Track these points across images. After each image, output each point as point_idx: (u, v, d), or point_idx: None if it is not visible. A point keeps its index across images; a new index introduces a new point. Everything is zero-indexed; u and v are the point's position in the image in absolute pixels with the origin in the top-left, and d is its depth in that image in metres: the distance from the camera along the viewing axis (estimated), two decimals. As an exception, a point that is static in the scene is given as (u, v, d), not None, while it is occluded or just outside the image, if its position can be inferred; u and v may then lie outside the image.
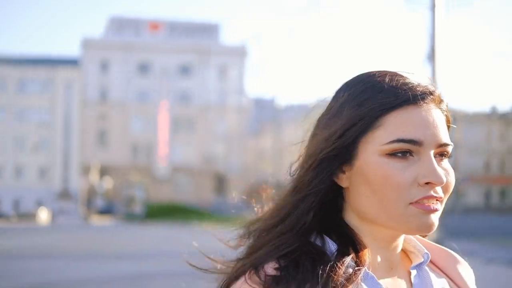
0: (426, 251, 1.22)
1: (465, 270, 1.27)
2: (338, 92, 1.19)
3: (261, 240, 1.17)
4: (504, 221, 44.11)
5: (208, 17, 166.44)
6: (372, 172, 1.11)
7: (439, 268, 1.27)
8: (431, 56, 23.77)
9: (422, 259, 1.21)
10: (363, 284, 1.12)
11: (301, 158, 1.20)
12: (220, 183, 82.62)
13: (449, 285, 1.24)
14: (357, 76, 1.19)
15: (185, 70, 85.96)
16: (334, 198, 1.18)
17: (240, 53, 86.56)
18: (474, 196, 79.65)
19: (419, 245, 1.24)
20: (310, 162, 1.16)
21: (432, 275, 1.23)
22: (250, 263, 1.12)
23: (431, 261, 1.26)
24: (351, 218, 1.18)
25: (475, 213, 63.52)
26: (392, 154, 1.11)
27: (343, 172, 1.15)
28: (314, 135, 1.19)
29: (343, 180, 1.16)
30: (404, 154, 1.11)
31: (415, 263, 1.22)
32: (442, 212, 1.15)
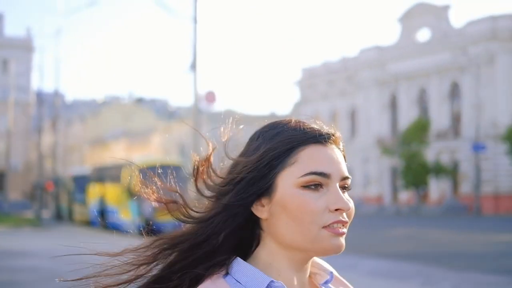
0: (331, 270, 1.41)
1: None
2: (253, 137, 1.39)
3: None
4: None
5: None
6: (289, 201, 1.29)
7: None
8: (194, 65, 25.40)
9: (328, 277, 1.40)
10: None
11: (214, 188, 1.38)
12: (0, 181, 79.27)
13: None
14: (269, 124, 1.39)
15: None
16: (252, 230, 1.37)
17: (25, 46, 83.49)
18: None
19: (324, 266, 1.42)
20: (228, 185, 1.34)
21: None
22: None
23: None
24: (270, 245, 1.34)
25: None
26: (306, 186, 1.29)
27: (262, 205, 1.32)
28: (234, 166, 1.36)
29: (263, 212, 1.33)
30: (316, 186, 1.29)
31: (322, 281, 1.40)
32: None
